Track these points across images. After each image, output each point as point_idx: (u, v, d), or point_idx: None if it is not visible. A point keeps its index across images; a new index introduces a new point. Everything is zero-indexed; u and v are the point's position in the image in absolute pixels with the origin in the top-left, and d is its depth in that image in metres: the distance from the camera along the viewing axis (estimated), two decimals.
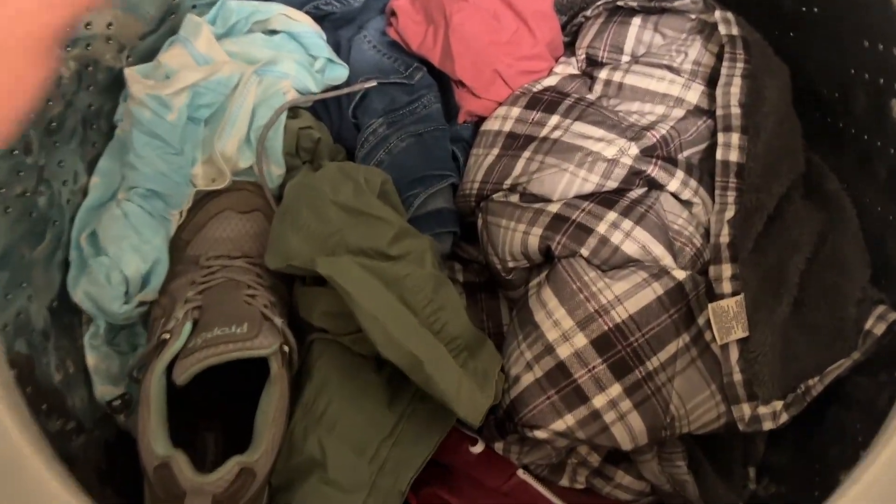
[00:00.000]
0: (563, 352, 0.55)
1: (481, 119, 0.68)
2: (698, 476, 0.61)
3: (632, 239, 0.57)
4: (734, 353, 0.58)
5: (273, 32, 0.67)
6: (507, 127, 0.65)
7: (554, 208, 0.59)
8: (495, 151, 0.65)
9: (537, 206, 0.60)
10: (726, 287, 0.58)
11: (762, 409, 0.58)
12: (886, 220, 0.58)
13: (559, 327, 0.56)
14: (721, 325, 0.57)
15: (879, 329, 0.56)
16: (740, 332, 0.58)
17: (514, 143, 0.64)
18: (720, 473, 0.64)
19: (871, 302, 0.57)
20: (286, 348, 0.53)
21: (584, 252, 0.57)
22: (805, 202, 0.63)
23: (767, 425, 0.58)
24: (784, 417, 0.58)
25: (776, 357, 0.57)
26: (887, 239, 0.58)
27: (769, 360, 0.57)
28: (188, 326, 0.52)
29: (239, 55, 0.64)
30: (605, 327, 0.55)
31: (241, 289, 0.55)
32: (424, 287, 0.54)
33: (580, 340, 0.55)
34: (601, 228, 0.57)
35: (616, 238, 0.57)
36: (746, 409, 0.58)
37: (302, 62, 0.65)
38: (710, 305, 0.57)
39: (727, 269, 0.58)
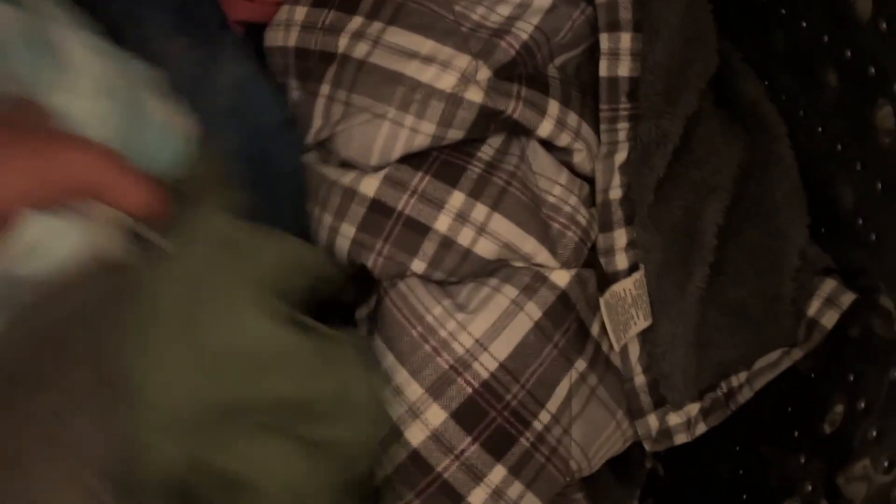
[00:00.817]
0: (415, 436, 0.37)
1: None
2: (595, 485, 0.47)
3: (488, 235, 0.38)
4: (634, 351, 0.42)
5: None
6: (292, 40, 0.43)
7: (371, 187, 0.39)
8: (293, 84, 0.43)
9: (349, 178, 0.40)
10: (620, 261, 0.41)
11: (673, 419, 0.43)
12: (832, 146, 0.41)
13: (403, 399, 0.37)
14: (616, 321, 0.40)
15: (829, 320, 0.40)
16: (641, 322, 0.42)
17: (307, 67, 0.42)
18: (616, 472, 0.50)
19: (812, 271, 0.42)
20: None
21: (419, 267, 0.38)
22: (719, 118, 0.46)
23: (680, 439, 0.44)
24: (701, 427, 0.43)
25: (689, 348, 0.42)
26: (833, 174, 0.41)
27: (679, 354, 0.42)
28: None
29: None
30: (469, 389, 0.37)
31: None
32: None
33: (436, 416, 0.37)
34: (441, 225, 0.38)
35: (465, 238, 0.38)
36: (653, 421, 0.43)
37: None
38: (601, 299, 0.40)
39: (621, 237, 0.41)
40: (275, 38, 0.43)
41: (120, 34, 0.36)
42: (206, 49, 0.40)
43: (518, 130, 0.40)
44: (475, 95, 0.39)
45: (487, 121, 0.39)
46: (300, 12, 0.42)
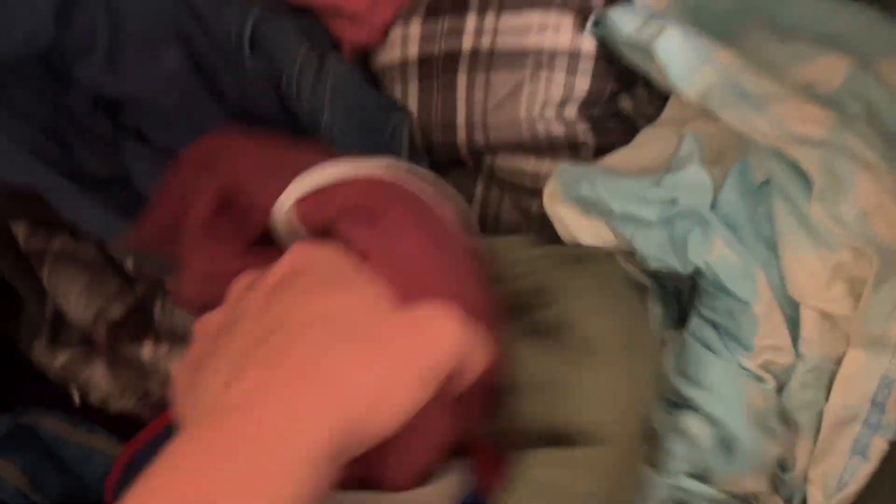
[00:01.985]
0: None
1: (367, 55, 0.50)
2: None
3: None
4: None
5: None
6: (413, 52, 0.48)
7: None
8: (413, 90, 0.47)
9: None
10: None
11: None
12: None
13: None
14: None
15: None
16: None
17: (433, 68, 0.47)
18: None
19: None
20: None
21: None
22: None
23: None
24: None
25: None
26: None
27: None
28: None
29: None
30: None
31: None
32: None
33: None
34: None
35: None
36: None
37: None
38: None
39: None
40: (392, 55, 0.48)
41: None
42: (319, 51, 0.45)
43: None
44: (589, 45, 0.43)
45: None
46: (415, 27, 0.47)
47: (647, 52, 0.42)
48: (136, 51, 0.40)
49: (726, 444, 0.36)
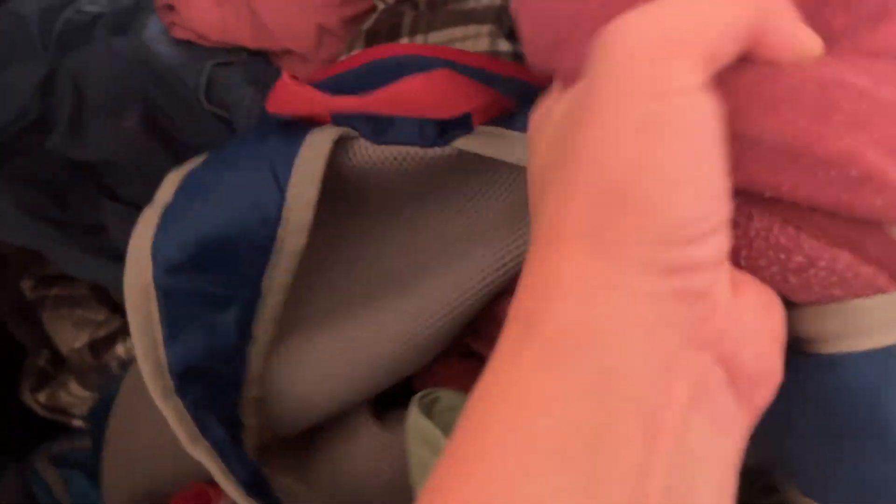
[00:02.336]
0: None
1: None
2: None
3: None
4: None
5: None
6: None
7: None
8: None
9: None
10: None
11: None
12: None
13: None
14: None
15: None
16: None
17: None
18: None
19: None
20: None
21: None
22: None
23: None
24: None
25: None
26: None
27: None
28: None
29: None
30: None
31: None
32: None
33: None
34: None
35: None
36: None
37: None
38: None
39: None
40: None
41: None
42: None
43: None
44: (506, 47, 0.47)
45: None
46: None
47: None
48: (96, 117, 0.46)
49: None
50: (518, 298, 0.21)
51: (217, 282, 0.38)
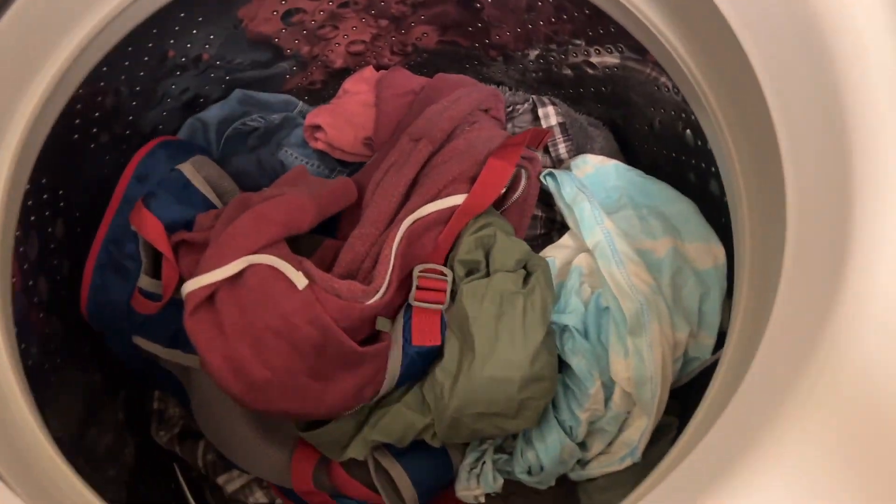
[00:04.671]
0: None
1: None
2: None
3: None
4: None
5: None
6: None
7: None
8: None
9: None
10: None
11: None
12: None
13: None
14: None
15: None
16: None
17: None
18: None
19: None
20: None
21: None
22: None
23: None
24: None
25: None
26: None
27: None
28: None
29: None
30: None
31: None
32: None
33: None
34: None
35: None
36: None
37: None
38: None
39: None
40: None
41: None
42: None
43: None
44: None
45: None
46: None
47: (569, 208, 0.71)
48: None
49: None
50: None
51: None
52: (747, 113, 0.52)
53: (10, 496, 0.44)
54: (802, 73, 0.48)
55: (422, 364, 0.66)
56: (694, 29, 0.56)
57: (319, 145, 0.80)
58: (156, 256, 0.68)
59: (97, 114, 0.67)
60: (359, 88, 0.83)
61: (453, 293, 0.66)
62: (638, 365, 0.64)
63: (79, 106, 0.64)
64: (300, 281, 0.60)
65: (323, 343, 0.61)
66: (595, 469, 0.68)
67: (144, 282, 0.68)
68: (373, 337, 0.66)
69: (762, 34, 0.49)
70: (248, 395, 0.61)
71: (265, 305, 0.60)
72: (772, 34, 0.49)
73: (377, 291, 0.63)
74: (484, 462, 0.69)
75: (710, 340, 0.67)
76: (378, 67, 0.85)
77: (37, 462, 0.49)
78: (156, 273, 0.68)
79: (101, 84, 0.66)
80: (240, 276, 0.61)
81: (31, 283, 0.64)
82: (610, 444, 0.68)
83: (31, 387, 0.53)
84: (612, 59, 0.73)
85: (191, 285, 0.60)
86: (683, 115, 0.69)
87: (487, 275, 0.65)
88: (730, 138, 0.55)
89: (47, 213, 0.66)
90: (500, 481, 0.69)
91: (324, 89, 0.88)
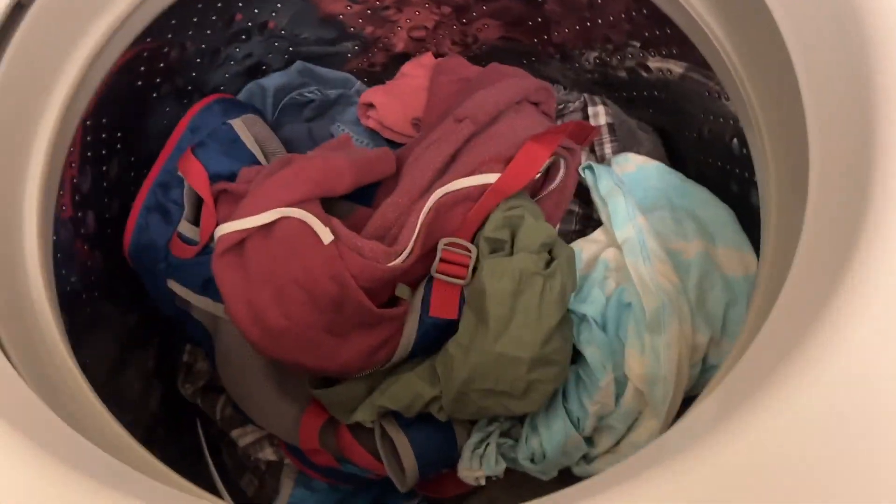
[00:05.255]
0: None
1: None
2: None
3: None
4: None
5: None
6: None
7: None
8: None
9: None
10: None
11: None
12: None
13: None
14: None
15: None
16: None
17: None
18: None
19: None
20: None
21: None
22: None
23: None
24: None
25: None
26: None
27: None
28: None
29: None
30: None
31: None
32: None
33: None
34: None
35: None
36: None
37: None
38: None
39: None
40: None
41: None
42: None
43: None
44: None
45: None
46: None
47: (604, 201, 0.71)
48: None
49: None
50: None
51: None
52: (785, 120, 0.52)
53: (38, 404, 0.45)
54: (843, 93, 0.46)
55: (436, 335, 0.67)
56: (746, 33, 0.56)
57: (371, 123, 0.83)
58: (198, 205, 0.71)
59: (161, 65, 0.71)
60: (416, 73, 0.85)
61: (475, 270, 0.66)
62: (653, 363, 0.63)
63: (145, 54, 0.68)
64: (326, 236, 0.62)
65: (341, 300, 0.63)
66: (600, 467, 0.66)
67: (184, 227, 0.71)
68: (392, 303, 0.67)
69: (809, 44, 0.48)
70: (264, 341, 0.63)
71: (291, 257, 0.62)
72: (820, 51, 0.48)
73: (399, 255, 0.64)
74: (488, 444, 0.69)
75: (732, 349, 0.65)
76: (437, 55, 0.87)
77: (62, 380, 0.51)
78: (196, 221, 0.71)
79: (169, 36, 0.70)
80: (271, 226, 0.63)
81: (79, 214, 0.68)
82: (617, 443, 0.66)
83: (65, 310, 0.56)
84: (667, 65, 0.73)
85: (224, 228, 0.63)
86: (732, 123, 0.68)
87: (511, 254, 0.65)
88: (768, 147, 0.55)
89: (104, 152, 0.70)
90: (503, 465, 0.68)
91: (383, 72, 0.90)
